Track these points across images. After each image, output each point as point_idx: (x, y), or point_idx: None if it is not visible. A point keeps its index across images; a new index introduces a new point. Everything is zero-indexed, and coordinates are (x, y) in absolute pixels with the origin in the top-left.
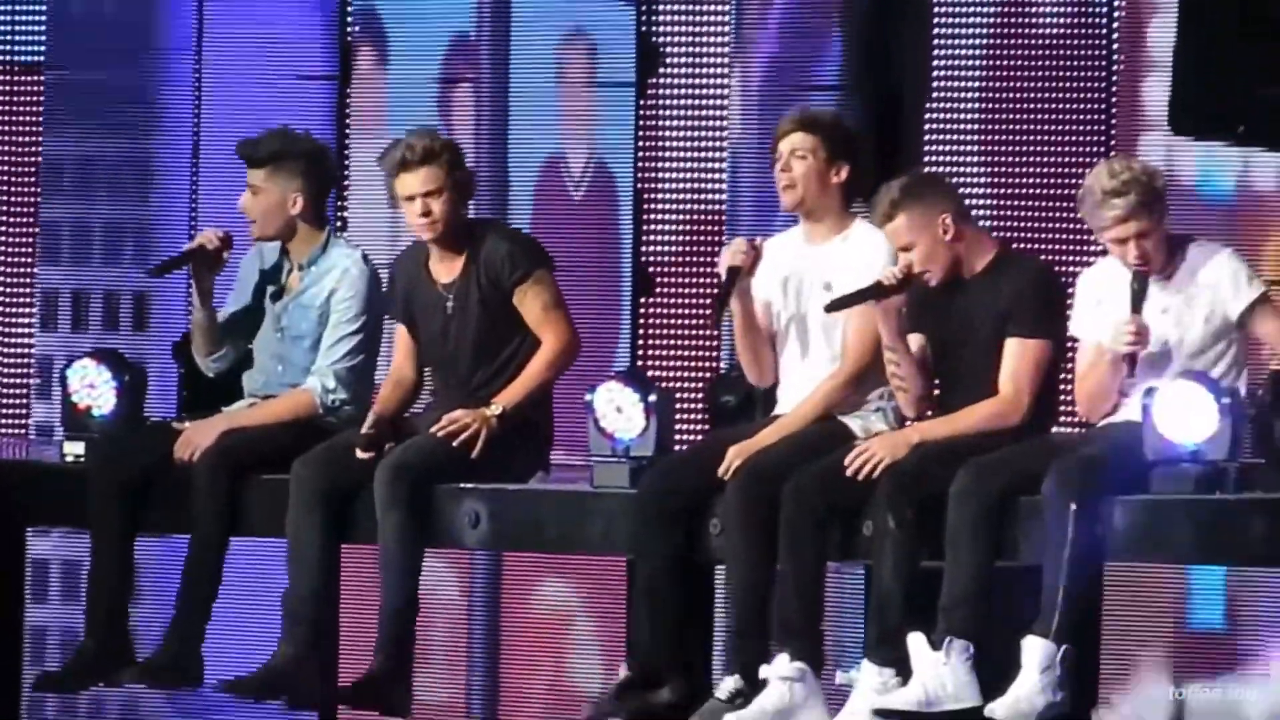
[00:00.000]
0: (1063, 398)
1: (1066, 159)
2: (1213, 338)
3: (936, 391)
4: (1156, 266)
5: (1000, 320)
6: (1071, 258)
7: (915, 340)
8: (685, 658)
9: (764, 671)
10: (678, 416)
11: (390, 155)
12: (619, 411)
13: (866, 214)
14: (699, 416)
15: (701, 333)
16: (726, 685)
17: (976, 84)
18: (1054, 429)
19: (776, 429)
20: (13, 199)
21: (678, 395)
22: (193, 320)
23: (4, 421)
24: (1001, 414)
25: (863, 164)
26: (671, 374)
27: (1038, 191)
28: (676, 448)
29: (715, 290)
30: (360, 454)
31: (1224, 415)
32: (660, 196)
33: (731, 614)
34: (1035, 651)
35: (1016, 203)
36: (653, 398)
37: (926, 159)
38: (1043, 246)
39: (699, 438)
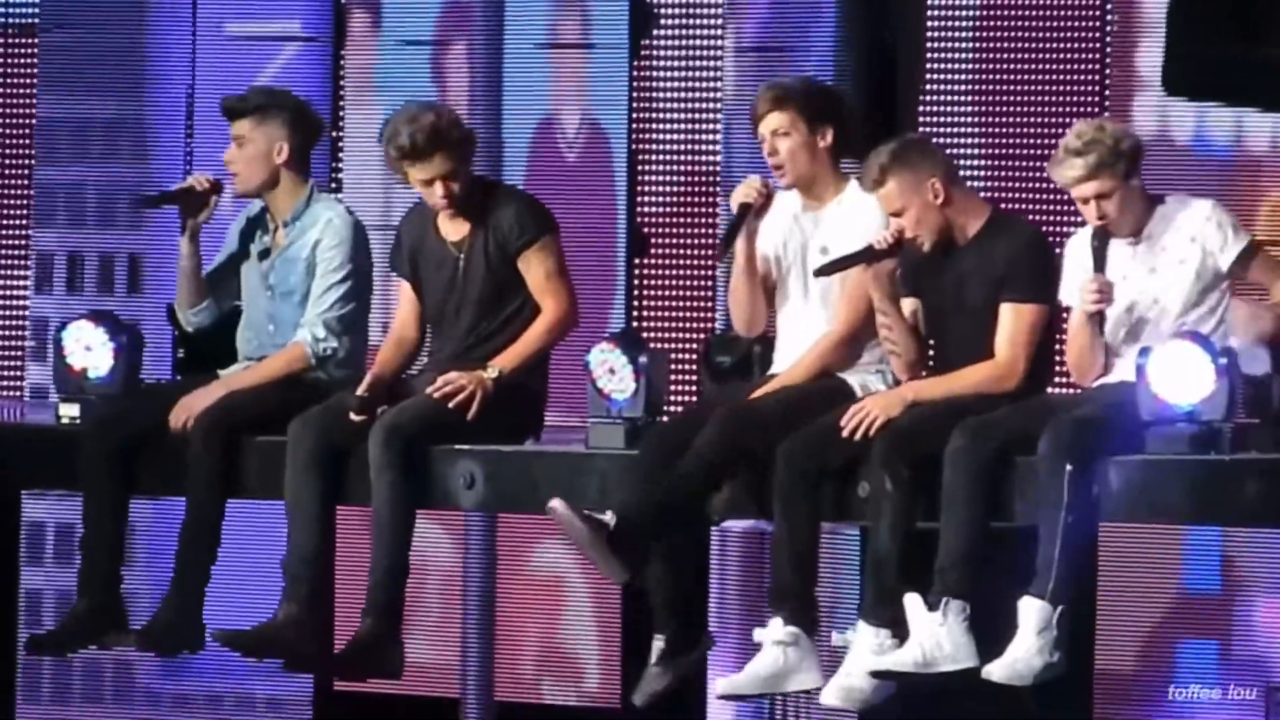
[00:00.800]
0: (1057, 360)
1: (1060, 120)
2: (1201, 293)
3: (930, 355)
4: (1124, 228)
5: (994, 285)
6: (1065, 220)
7: (908, 304)
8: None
9: (758, 635)
10: (674, 377)
11: (397, 141)
12: (612, 373)
13: (859, 173)
14: (695, 377)
15: (698, 293)
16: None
17: (970, 44)
18: (1049, 390)
19: (773, 386)
20: (7, 161)
21: (674, 355)
22: (178, 268)
23: (0, 384)
24: (997, 377)
25: (846, 119)
26: (667, 334)
27: (1032, 153)
28: (672, 408)
29: (713, 247)
30: (354, 417)
31: (1220, 375)
32: (654, 157)
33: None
34: (1032, 613)
35: (1010, 164)
36: (643, 359)
37: (921, 118)
38: (1036, 208)
39: (695, 398)
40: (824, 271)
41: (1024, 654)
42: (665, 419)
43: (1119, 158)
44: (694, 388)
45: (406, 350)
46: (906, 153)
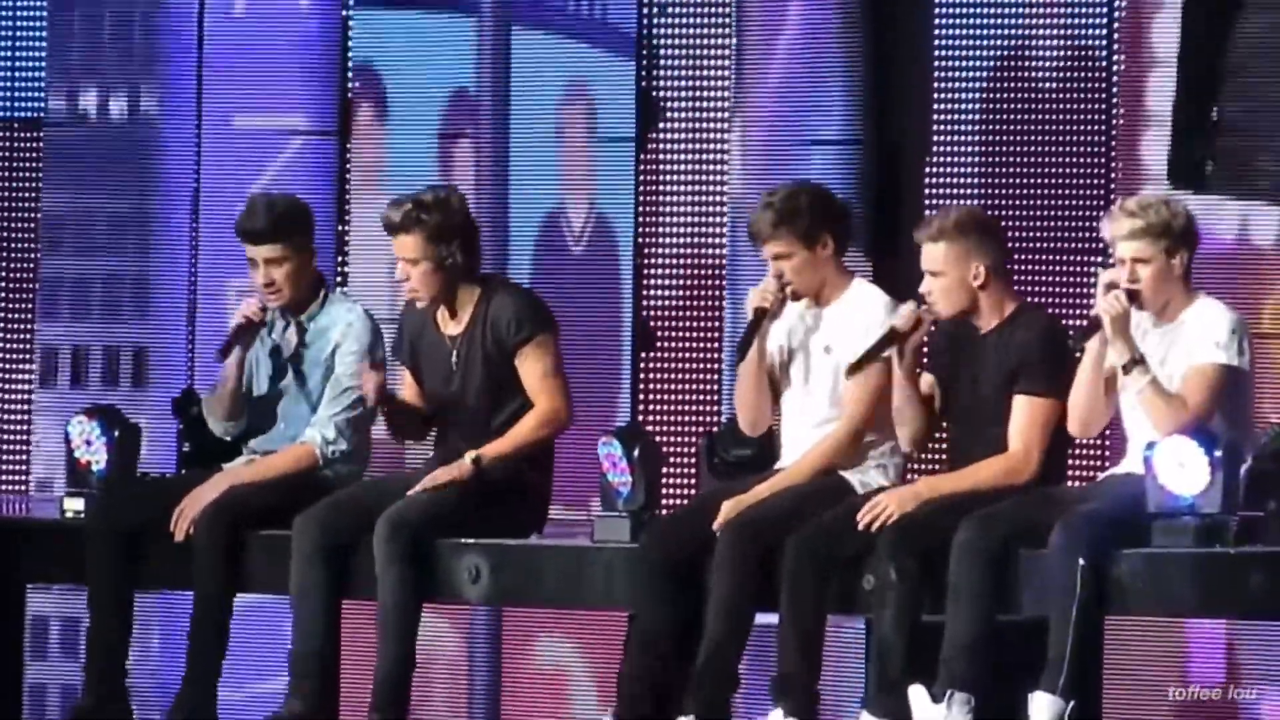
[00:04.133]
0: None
1: (1066, 211)
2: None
3: (939, 436)
4: (1152, 303)
5: (1010, 376)
6: (1072, 310)
7: (925, 380)
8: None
9: None
10: (679, 470)
11: (383, 214)
12: (614, 466)
13: (865, 274)
14: (692, 470)
15: (703, 387)
16: None
17: (976, 136)
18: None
19: (774, 483)
20: (12, 254)
21: (680, 449)
22: (222, 388)
23: (4, 478)
24: (1011, 471)
25: (841, 218)
26: (672, 428)
27: (1038, 245)
28: (678, 502)
29: (714, 340)
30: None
31: (1215, 469)
32: (661, 251)
33: (703, 658)
34: (1044, 708)
35: (1017, 255)
36: (636, 452)
37: (927, 211)
38: (1043, 299)
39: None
40: (856, 368)
41: None
42: (663, 512)
43: (1168, 233)
44: (696, 481)
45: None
46: (971, 226)
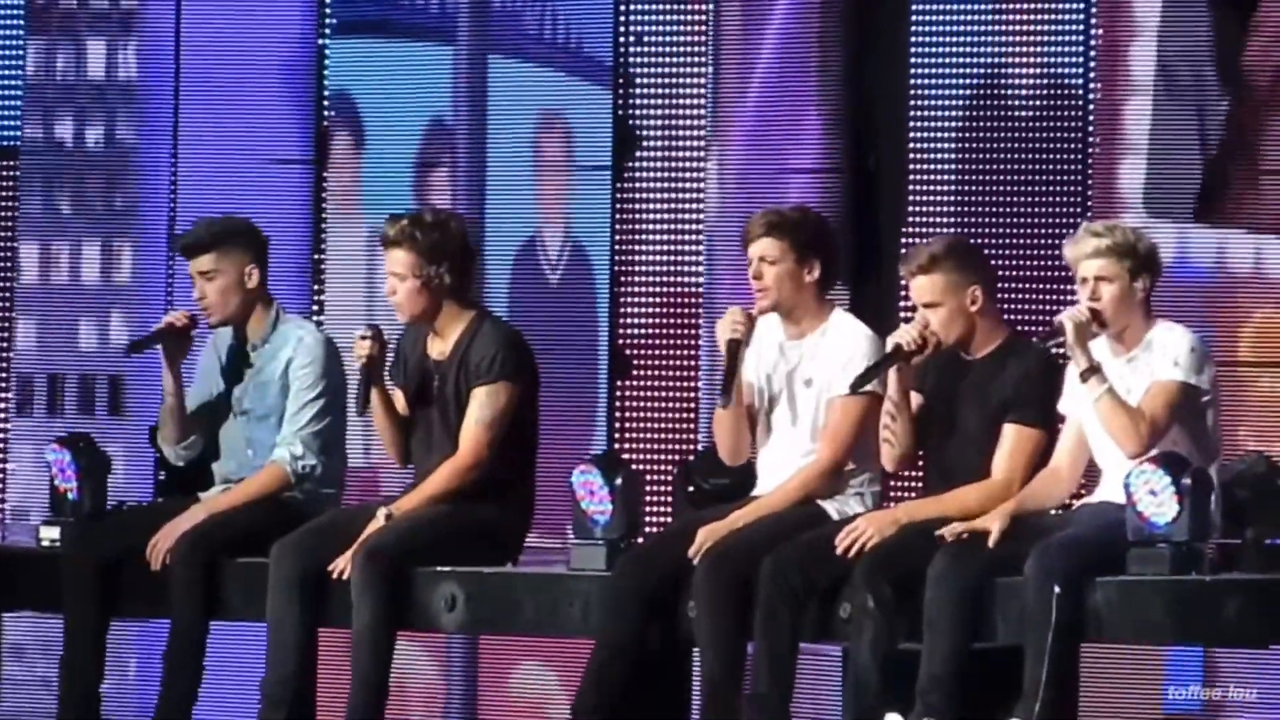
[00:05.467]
0: None
1: (1042, 240)
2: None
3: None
4: (1112, 324)
5: (1000, 405)
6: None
7: (915, 400)
8: None
9: None
10: (655, 498)
11: (383, 229)
12: (591, 495)
13: (843, 303)
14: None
15: (679, 414)
16: None
17: (952, 166)
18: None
19: (752, 510)
20: None
21: (657, 477)
22: (163, 406)
23: None
24: (992, 499)
25: (834, 255)
26: (649, 455)
27: (1014, 272)
28: (651, 529)
29: (690, 367)
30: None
31: (1184, 496)
32: (637, 279)
33: (703, 698)
34: None
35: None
36: (619, 481)
37: (904, 240)
38: (1020, 326)
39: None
40: (859, 385)
41: None
42: (641, 539)
43: (1132, 254)
44: (673, 509)
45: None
46: (960, 251)
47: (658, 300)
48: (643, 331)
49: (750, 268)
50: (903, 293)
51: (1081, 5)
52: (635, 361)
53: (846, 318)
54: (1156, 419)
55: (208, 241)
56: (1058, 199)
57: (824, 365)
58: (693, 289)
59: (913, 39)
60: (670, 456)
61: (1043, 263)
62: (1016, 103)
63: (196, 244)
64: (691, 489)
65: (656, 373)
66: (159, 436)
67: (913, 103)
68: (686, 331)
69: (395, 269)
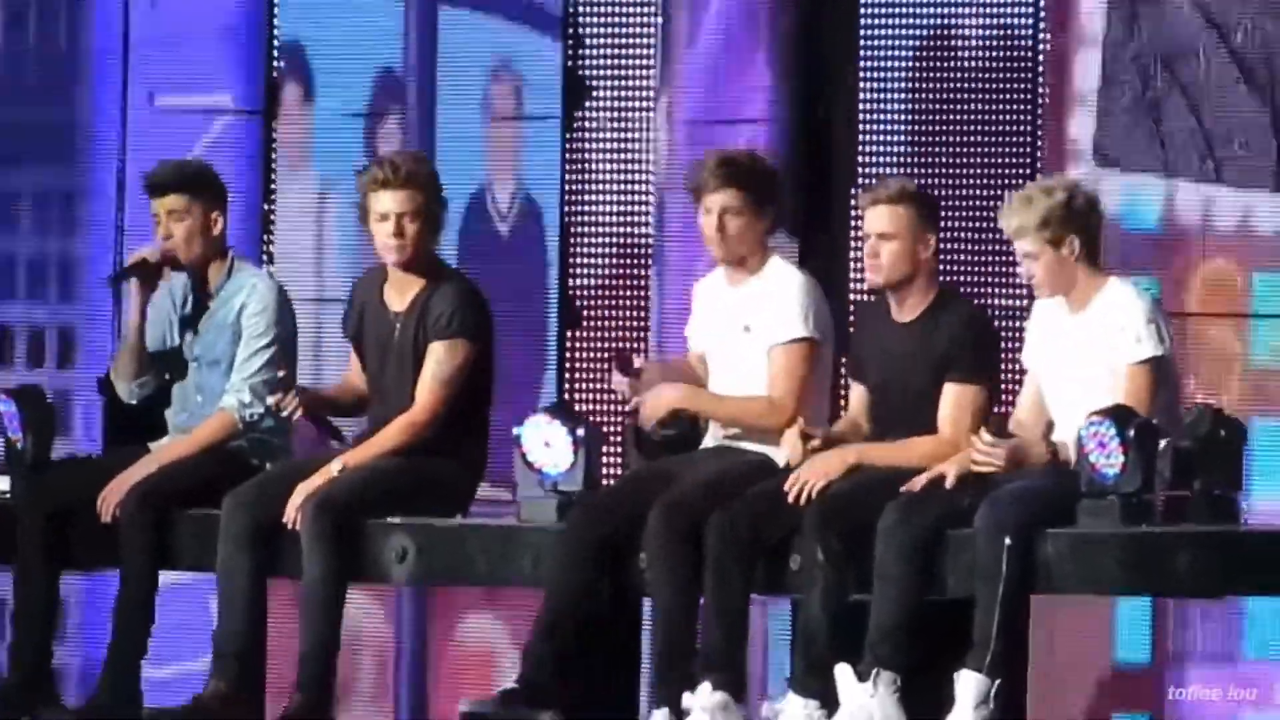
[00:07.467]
0: None
1: (992, 190)
2: (1115, 377)
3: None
4: (1056, 292)
5: (936, 366)
6: (998, 291)
7: (857, 392)
8: (610, 693)
9: (686, 700)
10: (607, 450)
11: (371, 171)
12: (547, 446)
13: (792, 252)
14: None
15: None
16: (657, 719)
17: (903, 115)
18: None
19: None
20: None
21: (607, 429)
22: (123, 342)
23: None
24: (941, 455)
25: (784, 202)
26: (599, 407)
27: (963, 224)
28: (605, 482)
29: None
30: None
31: (1131, 449)
32: (586, 229)
33: (655, 647)
34: (970, 686)
35: (942, 235)
36: (581, 432)
37: (857, 190)
38: (968, 279)
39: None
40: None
41: None
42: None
43: (1048, 224)
44: (623, 461)
45: (345, 390)
46: (928, 200)
47: (608, 251)
48: (593, 282)
49: (707, 217)
50: (855, 242)
51: None
52: (585, 312)
53: (783, 264)
54: (1148, 407)
55: (179, 182)
56: (1008, 149)
57: (761, 312)
58: (643, 239)
59: None
60: (619, 409)
61: (992, 213)
62: (967, 52)
63: (168, 182)
64: (639, 439)
65: (606, 324)
66: (114, 372)
67: (863, 52)
68: (636, 282)
69: (405, 208)
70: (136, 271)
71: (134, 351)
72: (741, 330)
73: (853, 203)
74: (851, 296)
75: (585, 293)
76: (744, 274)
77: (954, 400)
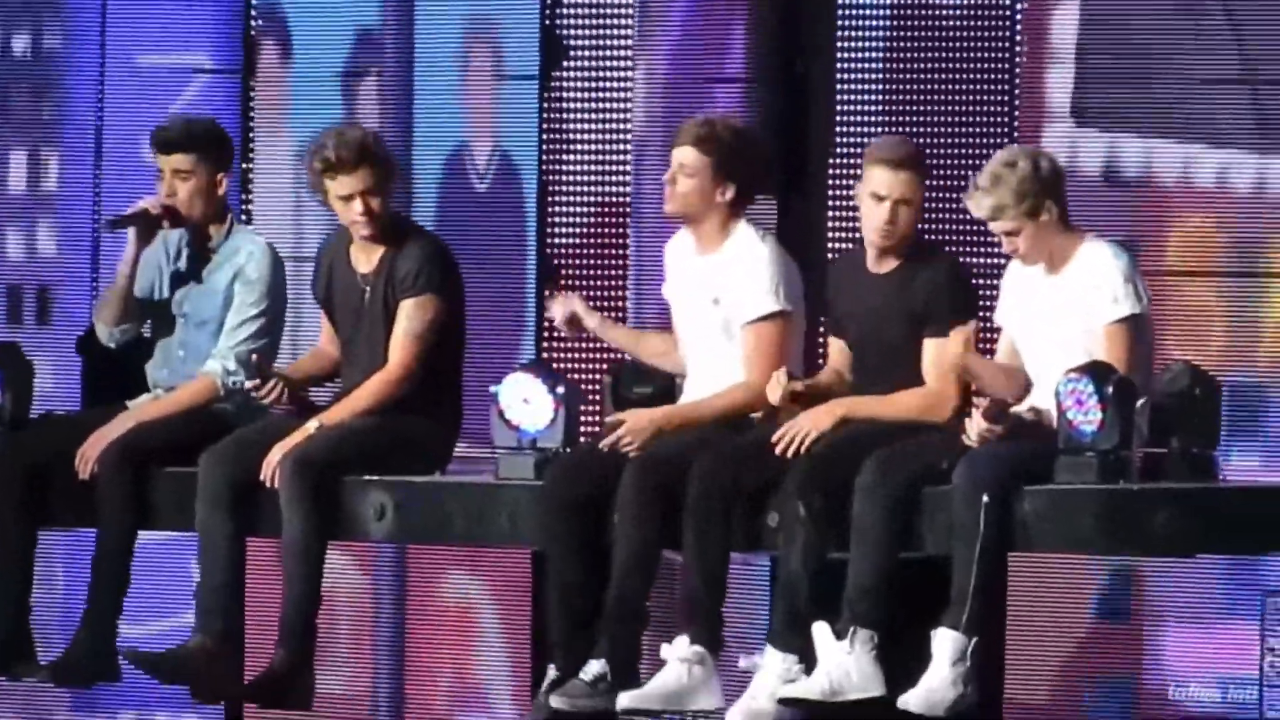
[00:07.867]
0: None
1: (971, 150)
2: (1093, 337)
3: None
4: (1035, 260)
5: (912, 319)
6: (974, 249)
7: (836, 345)
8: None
9: (664, 652)
10: (585, 407)
11: (322, 154)
12: (526, 403)
13: (770, 215)
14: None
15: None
16: (592, 668)
17: (880, 75)
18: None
19: (676, 411)
20: None
21: (585, 387)
22: (112, 286)
23: None
24: (929, 408)
25: (755, 179)
26: (576, 365)
27: (942, 184)
28: (582, 439)
29: (618, 276)
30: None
31: (1106, 405)
32: (565, 188)
33: (611, 597)
34: (946, 644)
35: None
36: (561, 389)
37: (833, 149)
38: (947, 238)
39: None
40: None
41: (939, 685)
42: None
43: (1023, 197)
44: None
45: (323, 360)
46: (924, 164)
47: (586, 210)
48: (571, 241)
49: (668, 171)
50: (831, 203)
51: None
52: (563, 271)
53: (750, 234)
54: (1128, 365)
55: (188, 141)
56: (986, 109)
57: (729, 287)
58: (621, 198)
59: None
60: (597, 366)
61: (971, 171)
62: (944, 11)
63: (177, 141)
64: (617, 397)
65: (584, 282)
66: (96, 314)
67: (841, 11)
68: (615, 241)
69: (366, 185)
70: (136, 221)
71: (121, 295)
72: (710, 303)
73: (831, 161)
74: (830, 256)
75: (563, 251)
76: (711, 243)
77: (935, 355)
